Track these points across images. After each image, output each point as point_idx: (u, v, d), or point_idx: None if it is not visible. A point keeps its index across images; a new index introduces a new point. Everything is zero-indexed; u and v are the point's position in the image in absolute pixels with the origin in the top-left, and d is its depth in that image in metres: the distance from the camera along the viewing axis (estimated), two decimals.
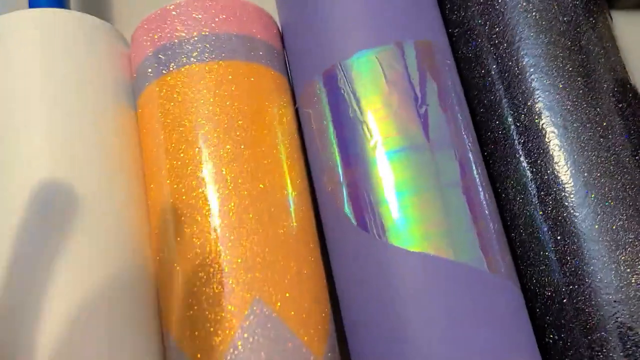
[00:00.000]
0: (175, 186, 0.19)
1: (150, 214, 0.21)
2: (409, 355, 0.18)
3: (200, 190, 0.19)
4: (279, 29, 0.24)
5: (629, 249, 0.18)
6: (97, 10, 0.29)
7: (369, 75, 0.20)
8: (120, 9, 0.28)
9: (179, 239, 0.19)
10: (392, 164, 0.19)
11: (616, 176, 0.19)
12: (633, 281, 0.18)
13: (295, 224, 0.20)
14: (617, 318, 0.18)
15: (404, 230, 0.19)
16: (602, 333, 0.18)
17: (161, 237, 0.19)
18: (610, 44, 0.21)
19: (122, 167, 0.21)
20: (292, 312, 0.18)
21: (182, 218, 0.19)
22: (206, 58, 0.20)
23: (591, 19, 0.21)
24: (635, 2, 0.29)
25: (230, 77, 0.20)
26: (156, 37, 0.21)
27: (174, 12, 0.21)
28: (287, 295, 0.18)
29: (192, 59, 0.20)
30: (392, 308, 0.18)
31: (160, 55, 0.21)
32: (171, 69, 0.20)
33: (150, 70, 0.21)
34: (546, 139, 0.20)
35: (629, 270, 0.18)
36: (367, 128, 0.20)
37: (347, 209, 0.20)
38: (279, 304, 0.18)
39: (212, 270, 0.18)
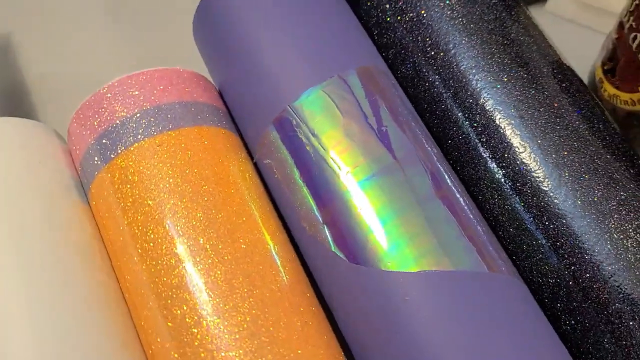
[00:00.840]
0: (152, 270, 0.18)
1: (130, 308, 0.19)
2: None
3: (181, 266, 0.18)
4: (217, 89, 0.23)
5: (615, 215, 0.18)
6: (22, 113, 0.27)
7: (323, 111, 0.20)
8: (45, 108, 0.27)
9: (170, 324, 0.17)
10: (367, 192, 0.19)
11: (582, 150, 0.19)
12: (629, 245, 0.18)
13: (287, 277, 0.19)
14: (625, 287, 0.18)
15: (397, 254, 0.18)
16: (617, 305, 0.18)
17: (149, 327, 0.18)
18: (537, 32, 0.22)
19: (85, 265, 0.19)
20: None
21: (169, 301, 0.18)
22: (154, 132, 0.20)
23: (512, 13, 0.22)
24: None
25: (183, 145, 0.20)
26: (96, 123, 0.20)
27: (109, 95, 0.20)
28: (300, 352, 0.17)
29: (139, 136, 0.19)
30: (406, 334, 0.17)
31: (104, 141, 0.20)
32: (119, 151, 0.20)
33: (96, 158, 0.20)
34: (507, 133, 0.20)
35: (622, 235, 0.18)
36: (334, 162, 0.19)
37: (335, 248, 0.19)
38: None
39: (214, 347, 0.17)
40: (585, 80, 0.27)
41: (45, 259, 0.19)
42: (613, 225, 0.18)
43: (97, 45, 0.30)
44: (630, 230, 0.18)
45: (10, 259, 0.18)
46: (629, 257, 0.18)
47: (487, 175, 0.20)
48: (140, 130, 0.20)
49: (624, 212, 0.18)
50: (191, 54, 0.26)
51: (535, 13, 0.31)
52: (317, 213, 0.20)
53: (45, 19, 0.31)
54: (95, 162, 0.20)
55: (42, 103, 0.28)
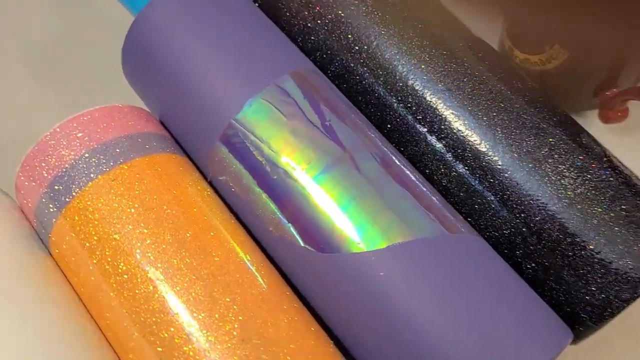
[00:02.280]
0: (131, 300, 0.18)
1: (115, 346, 0.19)
2: (420, 348, 0.18)
3: (159, 290, 0.18)
4: (157, 119, 0.24)
5: (549, 160, 0.20)
6: None
7: (267, 117, 0.21)
8: None
9: (159, 348, 0.17)
10: (323, 185, 0.20)
11: (508, 108, 0.21)
12: (567, 184, 0.20)
13: (264, 280, 0.19)
14: (571, 221, 0.19)
15: (364, 235, 0.19)
16: (567, 239, 0.19)
17: (139, 357, 0.18)
18: (446, 12, 0.24)
19: (59, 315, 0.19)
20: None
21: (154, 327, 0.18)
22: (106, 168, 0.20)
23: None
24: None
25: (137, 175, 0.20)
26: (44, 172, 0.20)
27: (52, 141, 0.20)
28: (292, 346, 0.18)
29: (91, 174, 0.20)
30: (387, 308, 0.18)
31: (56, 187, 0.20)
32: (74, 193, 0.20)
33: (51, 205, 0.20)
34: (439, 107, 0.22)
35: (559, 176, 0.20)
36: (287, 164, 0.20)
37: (304, 243, 0.20)
38: (288, 358, 0.17)
39: None
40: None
41: (16, 316, 0.18)
42: (549, 169, 0.20)
43: (23, 101, 0.30)
44: (565, 170, 0.20)
45: None
46: (569, 194, 0.20)
47: (429, 149, 0.22)
48: (92, 169, 0.20)
49: (556, 156, 0.20)
50: (122, 92, 0.27)
51: None
52: (280, 215, 0.20)
53: None
54: (51, 210, 0.20)
55: None
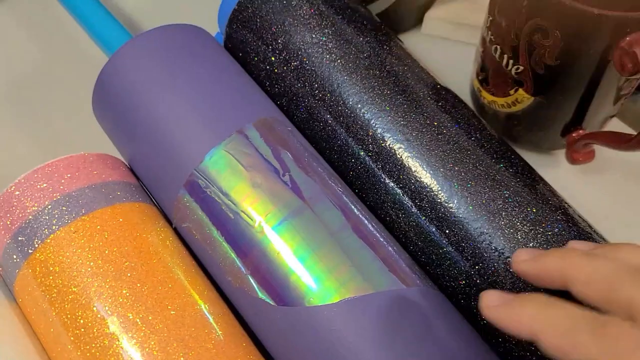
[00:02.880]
0: (87, 354, 0.18)
1: None
2: None
3: (115, 345, 0.18)
4: (127, 165, 0.24)
5: (503, 213, 0.20)
6: None
7: (227, 168, 0.21)
8: None
9: None
10: (282, 235, 0.20)
11: (465, 160, 0.21)
12: (519, 237, 0.20)
13: (220, 332, 0.19)
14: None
15: (318, 288, 0.19)
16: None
17: None
18: (410, 60, 0.24)
19: None
20: None
21: None
22: (67, 220, 0.20)
23: (385, 46, 0.24)
24: (411, 24, 0.34)
25: (98, 227, 0.20)
26: (9, 222, 0.21)
27: (17, 192, 0.21)
28: None
29: (53, 226, 0.20)
30: None
31: (20, 238, 0.20)
32: (36, 245, 0.20)
33: (15, 256, 0.20)
34: (398, 156, 0.22)
35: (512, 230, 0.20)
36: (246, 214, 0.21)
37: (261, 294, 0.20)
38: None
39: None
40: (467, 91, 0.30)
41: None
42: (503, 223, 0.20)
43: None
44: (518, 223, 0.20)
45: None
46: (520, 248, 0.20)
47: (389, 197, 0.22)
48: (54, 221, 0.20)
49: (509, 209, 0.20)
50: (100, 134, 0.27)
51: (413, 36, 0.33)
52: (240, 264, 0.21)
53: None
54: (15, 260, 0.20)
55: None
